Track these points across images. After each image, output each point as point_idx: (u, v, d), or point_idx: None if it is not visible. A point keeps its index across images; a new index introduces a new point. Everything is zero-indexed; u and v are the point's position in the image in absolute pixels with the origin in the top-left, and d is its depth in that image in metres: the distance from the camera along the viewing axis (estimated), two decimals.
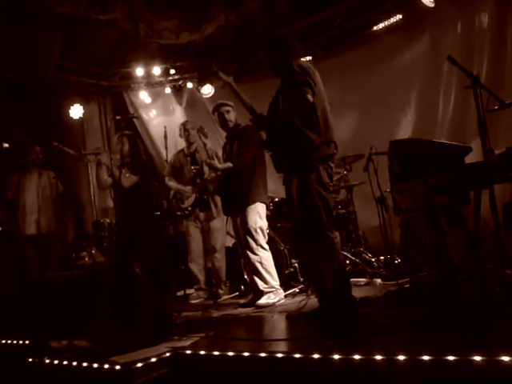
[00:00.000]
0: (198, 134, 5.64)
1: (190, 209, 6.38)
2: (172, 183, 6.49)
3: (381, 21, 7.58)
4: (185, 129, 6.48)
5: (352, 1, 7.76)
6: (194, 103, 9.63)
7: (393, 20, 7.48)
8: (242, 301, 5.50)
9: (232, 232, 5.83)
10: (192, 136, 6.46)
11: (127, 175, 6.18)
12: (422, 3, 6.98)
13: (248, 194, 5.33)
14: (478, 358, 2.29)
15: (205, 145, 5.53)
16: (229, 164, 5.46)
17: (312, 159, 3.79)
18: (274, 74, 4.18)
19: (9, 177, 6.91)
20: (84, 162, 7.26)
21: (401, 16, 7.38)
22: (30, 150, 6.95)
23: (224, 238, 6.54)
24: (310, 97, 3.69)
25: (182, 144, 6.79)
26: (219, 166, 5.55)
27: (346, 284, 3.81)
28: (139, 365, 3.06)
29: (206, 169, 6.32)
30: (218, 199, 6.32)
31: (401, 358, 2.47)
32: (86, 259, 7.35)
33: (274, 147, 4.07)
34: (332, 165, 3.93)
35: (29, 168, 6.92)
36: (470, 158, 3.68)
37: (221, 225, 6.40)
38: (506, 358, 2.23)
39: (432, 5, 6.96)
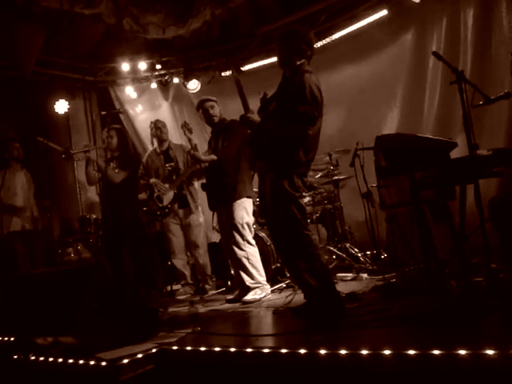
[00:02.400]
0: (182, 128, 5.63)
1: (169, 206, 6.35)
2: (151, 179, 6.43)
3: (366, 16, 7.57)
4: (156, 127, 6.48)
5: None
6: (180, 98, 9.59)
7: (378, 15, 7.47)
8: (228, 296, 5.51)
9: (218, 227, 5.82)
10: (164, 134, 6.49)
11: (116, 170, 6.17)
12: None
13: (234, 189, 5.33)
14: (463, 352, 2.30)
15: (189, 140, 5.51)
16: (213, 156, 5.45)
17: (291, 171, 3.86)
18: (280, 64, 4.18)
19: None
20: (72, 160, 7.21)
21: (386, 11, 7.37)
22: (10, 146, 6.89)
23: (204, 233, 6.54)
24: (310, 132, 3.79)
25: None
26: (203, 157, 5.53)
27: (328, 280, 3.85)
28: (125, 361, 3.05)
29: (181, 164, 6.33)
30: (195, 194, 6.34)
31: (387, 352, 2.48)
32: (72, 255, 7.31)
33: (257, 147, 4.09)
34: (307, 172, 4.01)
35: (11, 164, 6.86)
36: (455, 154, 3.70)
37: (200, 220, 6.40)
38: (490, 352, 2.25)
39: (417, 0, 6.97)
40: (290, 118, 3.80)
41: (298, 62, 4.02)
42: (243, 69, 8.38)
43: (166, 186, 6.33)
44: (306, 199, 6.55)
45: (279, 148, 3.86)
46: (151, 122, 6.62)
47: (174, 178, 6.33)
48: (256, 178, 5.52)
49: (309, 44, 4.07)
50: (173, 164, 6.39)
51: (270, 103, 4.11)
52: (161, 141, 6.51)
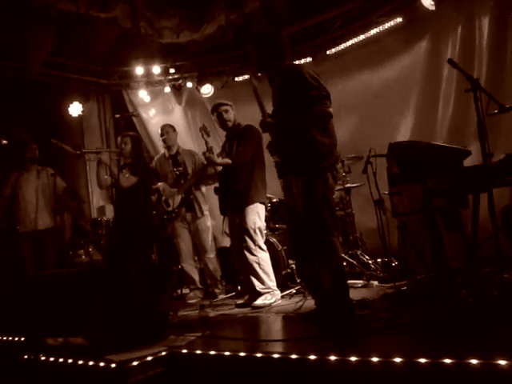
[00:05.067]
0: (200, 131, 5.63)
1: (176, 210, 6.36)
2: (159, 183, 6.44)
3: (381, 23, 7.57)
4: (162, 132, 6.49)
5: (353, 3, 7.76)
6: (193, 103, 9.62)
7: (393, 23, 7.46)
8: (238, 301, 5.49)
9: (228, 232, 5.81)
10: (170, 139, 6.47)
11: (126, 175, 6.18)
12: (423, 6, 6.97)
13: (247, 194, 5.32)
14: (474, 362, 2.29)
15: (206, 143, 5.52)
16: (227, 160, 5.44)
17: (324, 166, 3.78)
18: (258, 69, 4.19)
19: (7, 174, 6.88)
20: (83, 160, 7.26)
21: (401, 19, 7.37)
22: (27, 147, 6.93)
23: (213, 238, 6.53)
24: (331, 110, 3.76)
25: (180, 142, 6.78)
26: (218, 160, 5.54)
27: (344, 287, 3.80)
28: (135, 363, 3.06)
29: (189, 169, 6.33)
30: (201, 198, 6.33)
31: (397, 360, 2.47)
32: (83, 257, 7.35)
33: (282, 152, 4.03)
34: (338, 166, 3.95)
35: (27, 166, 6.90)
36: (468, 162, 3.68)
37: (207, 224, 6.39)
38: (502, 362, 2.23)
39: (432, 8, 6.95)
40: (306, 108, 3.77)
41: (282, 64, 4.01)
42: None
43: (174, 190, 6.34)
44: None
45: (304, 147, 3.80)
46: (160, 127, 6.63)
47: (182, 182, 6.34)
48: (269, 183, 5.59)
49: (283, 47, 4.05)
50: (181, 169, 6.40)
51: (276, 115, 4.07)
52: (167, 146, 6.51)
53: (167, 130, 6.49)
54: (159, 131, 6.55)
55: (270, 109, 4.15)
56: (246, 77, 8.70)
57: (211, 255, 6.36)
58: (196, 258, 6.56)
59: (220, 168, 5.68)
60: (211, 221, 6.53)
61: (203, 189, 6.48)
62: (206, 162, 5.82)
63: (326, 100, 3.76)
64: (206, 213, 6.39)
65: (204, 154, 5.57)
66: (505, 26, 6.49)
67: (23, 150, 6.89)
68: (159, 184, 6.41)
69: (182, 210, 6.36)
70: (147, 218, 6.51)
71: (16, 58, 7.83)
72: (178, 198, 6.33)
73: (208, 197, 6.53)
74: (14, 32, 7.37)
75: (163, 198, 6.37)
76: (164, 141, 6.49)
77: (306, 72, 3.82)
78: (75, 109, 8.63)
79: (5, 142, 6.93)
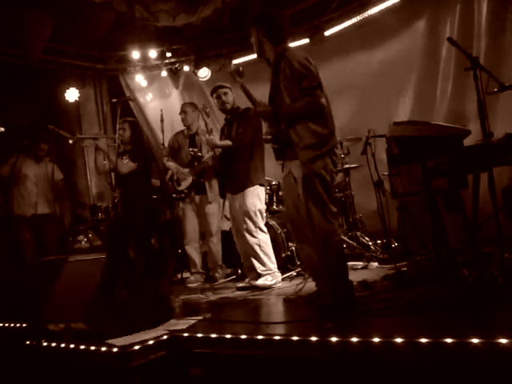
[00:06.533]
0: (200, 111, 5.59)
1: (186, 191, 6.34)
2: (171, 163, 6.43)
3: (379, 3, 7.50)
4: (181, 110, 6.43)
5: None
6: (190, 86, 9.58)
7: (391, 2, 7.39)
8: (239, 284, 5.50)
9: (229, 215, 5.81)
10: (189, 118, 6.40)
11: (125, 162, 6.14)
12: None
13: (247, 176, 5.31)
14: (475, 341, 2.29)
15: (206, 124, 5.51)
16: (228, 142, 5.43)
17: (319, 154, 3.75)
18: (257, 53, 4.14)
19: (6, 158, 6.88)
20: (80, 146, 7.24)
21: None
22: (39, 147, 6.98)
23: (219, 222, 6.52)
24: (323, 100, 3.71)
25: (178, 127, 6.74)
26: (218, 142, 5.52)
27: (343, 269, 3.80)
28: (136, 347, 3.07)
29: (204, 151, 6.27)
30: (214, 184, 6.29)
31: (398, 340, 2.48)
32: (83, 243, 7.36)
33: (279, 141, 4.02)
34: (336, 150, 3.92)
35: (27, 152, 6.92)
36: (468, 142, 3.66)
37: (216, 209, 6.38)
38: (503, 341, 2.24)
39: None
40: (298, 98, 3.74)
41: (277, 48, 3.96)
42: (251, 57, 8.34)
43: (186, 170, 6.31)
44: None
45: (297, 136, 3.79)
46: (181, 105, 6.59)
47: (196, 164, 6.30)
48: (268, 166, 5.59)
49: (279, 30, 3.98)
50: (196, 150, 6.34)
51: (272, 100, 4.05)
52: (186, 125, 6.46)
53: (185, 110, 6.41)
54: (169, 113, 6.49)
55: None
56: (244, 59, 8.65)
57: (216, 239, 6.36)
58: (200, 242, 6.55)
59: (219, 151, 5.66)
60: None
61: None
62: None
63: (317, 90, 3.72)
64: (217, 197, 6.36)
65: (204, 136, 5.54)
66: (504, 6, 6.43)
67: (36, 144, 6.95)
68: (172, 164, 6.39)
69: (192, 193, 6.35)
70: (147, 202, 6.50)
71: (15, 44, 7.77)
72: (189, 180, 6.31)
73: None
74: (11, 18, 7.31)
75: (175, 177, 6.36)
76: (182, 120, 6.44)
77: (297, 61, 3.75)
78: (72, 94, 8.60)
79: (1, 129, 6.92)
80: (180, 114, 6.43)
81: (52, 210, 7.08)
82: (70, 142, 6.17)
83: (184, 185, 6.31)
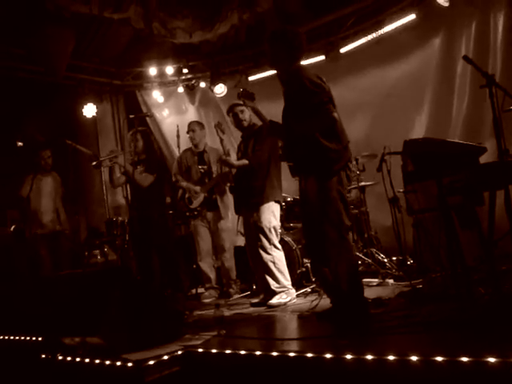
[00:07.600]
0: (215, 128, 5.65)
1: (198, 209, 6.38)
2: (183, 182, 6.50)
3: (394, 20, 7.52)
4: (189, 129, 6.51)
5: (366, 0, 7.73)
6: (206, 102, 9.65)
7: (406, 19, 7.42)
8: (253, 300, 5.50)
9: (243, 231, 5.82)
10: (197, 136, 6.49)
11: (143, 174, 6.15)
12: (437, 2, 6.90)
13: (262, 192, 5.32)
14: (492, 360, 2.27)
15: (221, 140, 5.55)
16: (244, 161, 5.46)
17: (334, 170, 3.78)
18: (270, 64, 4.28)
19: (23, 176, 6.95)
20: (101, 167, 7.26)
21: (414, 15, 7.31)
22: (40, 155, 7.01)
23: (232, 238, 6.54)
24: (335, 114, 3.75)
25: None
26: (235, 162, 5.55)
27: (358, 285, 3.79)
28: (151, 362, 3.07)
29: (214, 168, 6.33)
30: (226, 199, 6.33)
31: (413, 358, 2.46)
32: (99, 257, 7.40)
33: (293, 159, 4.05)
34: (351, 165, 3.94)
35: (40, 168, 6.98)
36: (484, 159, 3.65)
37: (228, 225, 6.40)
38: None
39: (446, 4, 6.89)
40: (310, 115, 3.78)
41: (291, 67, 4.01)
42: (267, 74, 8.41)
43: (198, 188, 6.36)
44: None
45: (311, 153, 3.81)
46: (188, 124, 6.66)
47: (206, 181, 6.35)
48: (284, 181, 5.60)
49: (299, 48, 4.04)
50: (206, 167, 6.40)
51: (285, 117, 4.09)
52: (193, 144, 6.53)
53: (193, 128, 6.51)
54: (187, 127, 6.57)
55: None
56: (260, 75, 8.71)
57: (229, 255, 6.38)
58: (214, 258, 6.57)
59: (227, 169, 5.71)
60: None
61: (227, 189, 6.47)
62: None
63: (329, 105, 3.77)
64: (229, 213, 6.40)
65: (221, 157, 5.59)
66: None
67: (37, 155, 6.98)
68: (184, 183, 6.44)
69: (204, 209, 6.39)
70: (164, 215, 6.54)
71: (39, 61, 7.89)
72: (201, 197, 6.35)
73: None
74: (35, 35, 7.44)
75: (187, 195, 6.40)
76: (190, 138, 6.51)
77: (307, 79, 3.82)
78: (89, 110, 8.69)
79: (20, 143, 7.00)
80: (187, 132, 6.52)
81: (68, 227, 7.14)
82: (93, 164, 6.17)
83: (196, 203, 6.36)
